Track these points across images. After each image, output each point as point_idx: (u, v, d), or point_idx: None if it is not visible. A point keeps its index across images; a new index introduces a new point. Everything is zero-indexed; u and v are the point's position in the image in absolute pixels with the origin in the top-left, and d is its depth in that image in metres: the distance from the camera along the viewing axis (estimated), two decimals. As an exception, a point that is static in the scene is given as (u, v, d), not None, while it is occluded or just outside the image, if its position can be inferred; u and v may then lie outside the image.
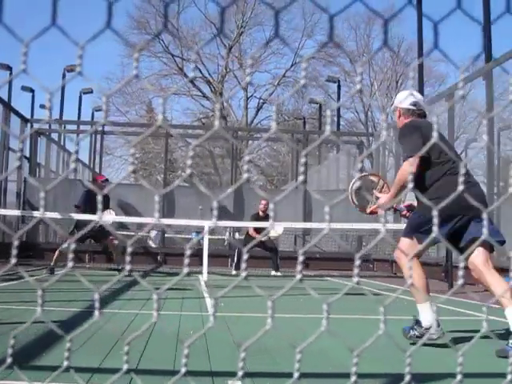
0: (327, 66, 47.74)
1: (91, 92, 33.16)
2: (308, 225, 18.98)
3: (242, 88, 47.92)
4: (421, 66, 20.08)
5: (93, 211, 12.98)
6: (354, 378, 1.58)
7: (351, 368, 1.59)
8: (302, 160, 1.67)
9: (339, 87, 31.51)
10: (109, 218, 13.56)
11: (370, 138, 27.72)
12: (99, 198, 1.83)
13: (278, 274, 16.42)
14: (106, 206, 13.84)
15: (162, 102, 1.58)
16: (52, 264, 13.23)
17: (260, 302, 8.91)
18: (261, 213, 16.77)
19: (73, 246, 1.70)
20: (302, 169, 1.68)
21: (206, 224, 13.59)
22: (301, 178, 1.70)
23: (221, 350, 4.69)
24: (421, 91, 21.46)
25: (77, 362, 3.60)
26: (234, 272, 16.11)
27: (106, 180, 14.56)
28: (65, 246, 13.21)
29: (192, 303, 8.58)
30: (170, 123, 41.03)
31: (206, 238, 13.72)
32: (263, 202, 16.79)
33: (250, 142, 37.80)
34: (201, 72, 47.64)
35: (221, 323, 6.06)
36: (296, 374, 1.55)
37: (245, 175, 1.67)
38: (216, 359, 4.28)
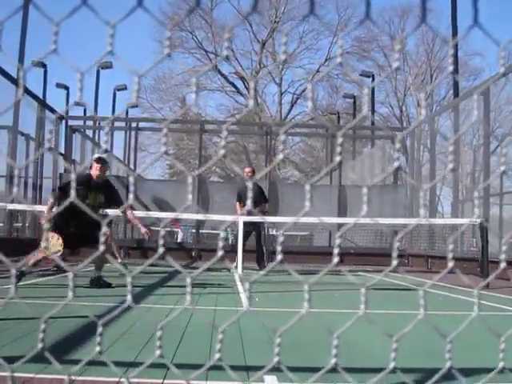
0: (361, 60, 47.53)
1: (125, 89, 33.36)
2: (342, 220, 18.87)
3: (275, 83, 47.92)
4: (456, 59, 19.87)
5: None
6: (392, 364, 1.57)
7: (391, 354, 1.58)
8: (339, 141, 1.65)
9: (373, 81, 31.36)
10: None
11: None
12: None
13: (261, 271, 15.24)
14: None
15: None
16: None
17: (294, 296, 8.90)
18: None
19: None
20: (338, 149, 1.66)
21: (241, 219, 13.54)
22: (337, 158, 1.68)
23: (256, 344, 4.68)
24: (456, 85, 21.30)
25: (112, 356, 3.61)
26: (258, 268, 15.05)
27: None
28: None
29: (227, 298, 8.58)
30: (204, 119, 41.15)
31: (241, 232, 13.63)
32: (246, 169, 15.72)
33: (284, 136, 37.73)
34: (234, 68, 47.71)
35: (256, 318, 6.05)
36: (333, 360, 1.54)
37: (280, 155, 1.66)
38: (251, 353, 4.27)
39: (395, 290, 10.87)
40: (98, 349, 1.45)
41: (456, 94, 20.78)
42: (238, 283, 11.18)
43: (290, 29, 44.39)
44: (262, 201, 14.79)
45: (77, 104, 2.37)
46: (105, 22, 1.53)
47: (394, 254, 1.56)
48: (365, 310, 1.49)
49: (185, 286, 1.83)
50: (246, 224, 14.01)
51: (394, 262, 1.59)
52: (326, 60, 47.88)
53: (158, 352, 1.44)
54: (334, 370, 1.74)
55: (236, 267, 13.76)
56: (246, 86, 48.06)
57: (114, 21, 1.54)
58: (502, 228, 16.60)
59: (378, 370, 1.80)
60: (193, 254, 19.89)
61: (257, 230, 15.17)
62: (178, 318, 5.98)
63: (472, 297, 9.59)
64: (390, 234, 21.76)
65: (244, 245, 14.02)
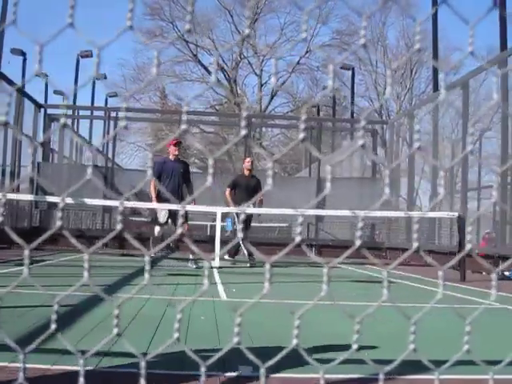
0: (342, 53, 47.56)
1: (105, 78, 33.17)
2: (321, 212, 18.85)
3: (256, 75, 47.87)
4: (435, 54, 19.99)
5: (168, 181, 12.77)
6: (355, 346, 1.57)
7: (353, 336, 1.58)
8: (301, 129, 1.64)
9: (353, 75, 31.41)
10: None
11: (384, 126, 27.59)
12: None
13: (227, 258, 14.70)
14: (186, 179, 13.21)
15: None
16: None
17: (273, 288, 8.90)
18: (246, 171, 15.11)
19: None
20: (302, 126, 1.64)
21: (218, 210, 13.49)
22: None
23: (231, 335, 4.68)
24: (435, 79, 21.39)
25: (87, 346, 3.60)
26: (226, 257, 14.63)
27: (179, 143, 13.33)
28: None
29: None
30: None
31: (219, 224, 13.56)
32: (247, 159, 15.44)
33: (264, 129, 37.78)
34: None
35: (231, 309, 6.04)
36: (295, 341, 1.54)
37: (242, 131, 1.64)
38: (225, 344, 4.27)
39: (371, 282, 10.92)
40: (53, 327, 1.44)
41: (435, 87, 20.85)
42: (216, 274, 11.18)
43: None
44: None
45: (56, 93, 2.34)
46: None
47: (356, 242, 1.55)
48: (327, 290, 1.49)
49: (163, 276, 1.82)
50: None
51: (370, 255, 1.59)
52: (307, 52, 47.88)
53: (115, 330, 1.43)
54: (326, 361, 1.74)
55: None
56: (226, 78, 47.98)
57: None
58: (479, 222, 16.72)
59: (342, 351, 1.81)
60: (170, 244, 19.82)
61: (248, 222, 14.99)
62: (152, 309, 5.99)
63: (445, 289, 9.65)
64: (369, 226, 21.86)
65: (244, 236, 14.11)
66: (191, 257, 13.01)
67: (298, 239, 1.56)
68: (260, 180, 14.84)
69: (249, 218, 14.89)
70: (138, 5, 44.99)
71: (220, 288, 8.71)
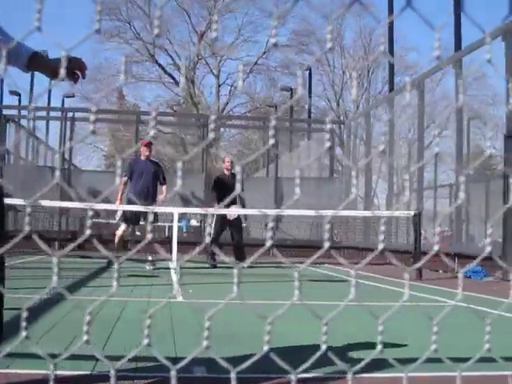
0: (299, 53, 47.75)
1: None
2: (280, 211, 18.84)
3: (213, 75, 47.82)
4: (391, 53, 20.13)
5: (138, 181, 12.88)
6: (324, 347, 1.57)
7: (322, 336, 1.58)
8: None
9: (310, 75, 31.53)
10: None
11: (341, 126, 27.74)
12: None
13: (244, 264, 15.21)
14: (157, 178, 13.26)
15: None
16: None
17: (230, 288, 8.93)
18: (226, 171, 14.94)
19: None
20: (271, 132, 1.65)
21: (176, 211, 13.45)
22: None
23: (187, 336, 4.67)
24: (391, 79, 21.57)
25: (40, 348, 3.56)
26: (210, 263, 14.43)
27: (151, 143, 13.45)
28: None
29: (161, 290, 8.54)
30: (141, 110, 40.86)
31: (175, 224, 13.51)
32: (226, 159, 15.33)
33: (222, 129, 37.77)
34: (172, 59, 47.46)
35: (188, 310, 6.04)
36: (265, 347, 1.53)
37: (211, 134, 1.63)
38: (181, 345, 4.26)
39: (327, 281, 10.97)
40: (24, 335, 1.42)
41: (391, 87, 21.02)
42: (173, 274, 11.15)
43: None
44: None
45: (12, 93, 2.32)
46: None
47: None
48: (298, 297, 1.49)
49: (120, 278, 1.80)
50: (224, 218, 14.33)
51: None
52: (264, 53, 47.97)
53: (85, 337, 1.41)
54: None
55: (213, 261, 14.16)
56: (184, 78, 47.84)
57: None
58: (435, 220, 16.87)
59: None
60: (128, 245, 19.73)
61: (239, 224, 15.00)
62: (108, 310, 5.94)
63: (400, 287, 9.74)
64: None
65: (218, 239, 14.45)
66: (149, 258, 12.96)
67: (269, 243, 1.56)
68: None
69: (239, 220, 15.02)
70: (93, 4, 44.63)
71: (176, 288, 8.68)
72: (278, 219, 21.01)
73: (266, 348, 1.46)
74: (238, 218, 14.84)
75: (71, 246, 1.77)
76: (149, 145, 13.13)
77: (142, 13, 46.29)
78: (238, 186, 1.58)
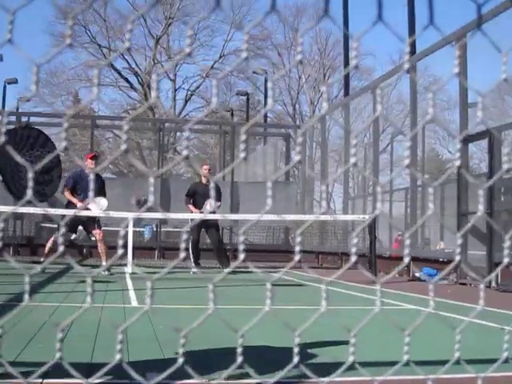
0: (255, 58, 47.80)
1: (16, 82, 32.45)
2: (237, 216, 18.85)
3: (170, 79, 47.66)
4: (346, 59, 20.25)
5: (84, 194, 12.57)
6: (296, 359, 1.56)
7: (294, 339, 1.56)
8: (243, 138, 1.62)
9: (266, 79, 31.58)
10: (102, 203, 12.98)
11: (298, 131, 27.84)
12: (91, 177, 1.74)
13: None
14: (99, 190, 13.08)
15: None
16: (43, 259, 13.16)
17: (185, 293, 8.84)
18: (204, 180, 14.65)
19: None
20: (242, 146, 1.62)
21: (130, 216, 13.37)
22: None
23: (140, 342, 4.61)
24: (347, 84, 21.69)
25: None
26: (194, 270, 13.89)
27: (96, 157, 13.35)
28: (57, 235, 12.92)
29: (115, 296, 8.45)
30: (97, 114, 40.56)
31: (131, 229, 13.44)
32: (205, 166, 15.39)
33: (178, 133, 37.62)
34: (128, 63, 47.21)
35: (143, 315, 5.97)
36: (240, 358, 1.51)
37: (184, 151, 1.60)
38: (135, 351, 4.20)
39: (285, 285, 10.97)
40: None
41: (347, 92, 21.12)
42: (128, 280, 11.06)
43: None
44: (220, 199, 14.53)
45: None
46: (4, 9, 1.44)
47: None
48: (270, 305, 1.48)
49: (73, 283, 1.76)
50: (203, 222, 14.17)
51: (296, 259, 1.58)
52: (221, 57, 47.97)
53: (58, 354, 1.37)
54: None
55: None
56: (139, 82, 47.59)
57: (14, 7, 1.46)
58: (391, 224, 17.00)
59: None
60: (84, 251, 19.55)
61: (217, 229, 15.05)
62: (61, 316, 5.86)
63: (361, 292, 9.80)
64: (283, 230, 22.00)
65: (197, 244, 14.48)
66: (104, 263, 12.86)
67: (241, 247, 1.54)
68: (219, 186, 14.70)
69: (217, 225, 15.09)
70: (49, 8, 44.31)
71: (132, 294, 8.61)
72: (234, 223, 20.99)
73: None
74: (215, 220, 14.79)
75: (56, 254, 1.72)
76: (95, 157, 13.05)
77: (98, 17, 45.99)
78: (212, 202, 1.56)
